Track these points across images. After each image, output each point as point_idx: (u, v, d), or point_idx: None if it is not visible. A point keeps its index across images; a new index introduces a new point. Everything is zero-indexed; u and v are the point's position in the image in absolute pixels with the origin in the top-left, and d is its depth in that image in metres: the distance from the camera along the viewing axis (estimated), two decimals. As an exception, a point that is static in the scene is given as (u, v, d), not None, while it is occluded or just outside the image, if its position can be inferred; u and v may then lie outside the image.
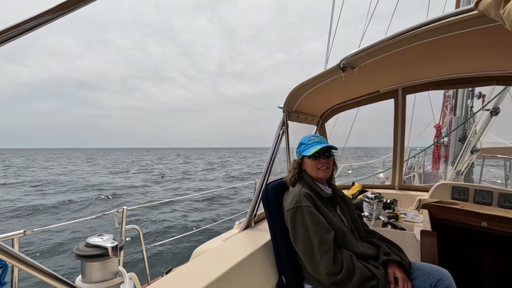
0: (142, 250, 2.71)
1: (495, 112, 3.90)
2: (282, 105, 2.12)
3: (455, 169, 4.55)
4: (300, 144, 1.73)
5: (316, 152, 1.60)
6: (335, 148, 1.67)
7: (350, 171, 6.27)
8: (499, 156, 4.76)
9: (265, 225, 2.07)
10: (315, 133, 2.85)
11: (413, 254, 1.87)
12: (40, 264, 0.85)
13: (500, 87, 3.90)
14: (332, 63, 1.68)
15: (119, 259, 1.26)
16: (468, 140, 4.34)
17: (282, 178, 1.84)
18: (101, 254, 1.13)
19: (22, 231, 1.71)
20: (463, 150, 4.41)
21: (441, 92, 5.73)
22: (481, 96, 4.70)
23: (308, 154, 1.61)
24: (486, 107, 4.11)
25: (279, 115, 2.17)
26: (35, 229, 1.82)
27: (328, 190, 1.67)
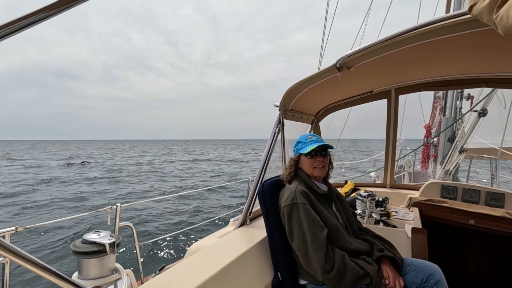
0: (135, 247, 2.69)
1: (483, 113, 4.01)
2: (278, 104, 2.14)
3: (443, 168, 4.66)
4: (298, 142, 1.75)
5: (313, 150, 1.62)
6: (332, 147, 1.70)
7: (342, 170, 6.35)
8: (485, 156, 4.90)
9: (260, 222, 2.09)
10: (310, 131, 2.88)
11: (404, 251, 1.92)
12: (38, 259, 0.84)
13: (488, 90, 4.02)
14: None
15: (116, 256, 1.25)
16: (457, 141, 4.46)
17: (278, 176, 1.85)
18: (99, 250, 1.13)
19: (14, 228, 1.68)
20: (452, 150, 4.52)
21: (431, 93, 5.86)
22: (469, 97, 4.83)
23: (305, 152, 1.63)
24: (474, 109, 4.22)
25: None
26: (28, 226, 1.79)
27: (324, 187, 1.70)
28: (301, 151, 1.67)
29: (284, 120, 2.20)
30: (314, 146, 1.61)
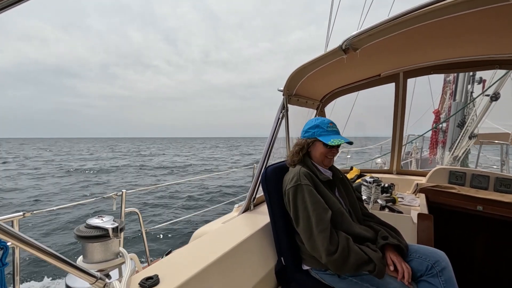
0: (141, 232, 2.74)
1: (495, 97, 3.87)
2: (282, 88, 2.08)
3: (452, 154, 4.57)
4: (316, 126, 1.65)
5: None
6: (351, 143, 1.64)
7: (348, 156, 6.30)
8: (496, 142, 4.78)
9: (264, 208, 2.09)
10: (315, 117, 2.83)
11: (410, 237, 1.90)
12: (42, 244, 0.84)
13: (501, 73, 3.87)
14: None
15: (120, 240, 1.26)
16: (467, 126, 4.34)
17: (282, 161, 1.83)
18: (102, 235, 1.14)
19: (21, 213, 1.71)
20: (461, 136, 4.42)
21: (441, 77, 5.68)
22: (481, 81, 4.66)
23: (328, 142, 1.57)
24: (486, 93, 4.08)
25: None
26: (35, 211, 1.82)
27: (328, 173, 1.68)
28: (321, 138, 1.61)
29: (288, 105, 2.15)
30: (340, 141, 1.56)
